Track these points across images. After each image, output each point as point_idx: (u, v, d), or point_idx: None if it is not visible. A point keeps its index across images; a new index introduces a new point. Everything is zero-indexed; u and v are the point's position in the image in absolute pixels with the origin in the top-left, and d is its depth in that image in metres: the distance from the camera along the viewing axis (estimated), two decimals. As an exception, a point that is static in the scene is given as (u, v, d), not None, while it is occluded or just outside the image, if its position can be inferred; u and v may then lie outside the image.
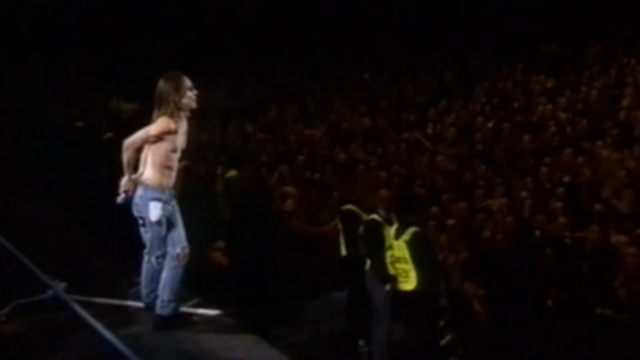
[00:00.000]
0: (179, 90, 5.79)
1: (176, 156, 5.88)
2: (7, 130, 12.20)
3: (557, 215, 8.50)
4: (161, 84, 5.82)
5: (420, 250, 7.16)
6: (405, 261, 7.23)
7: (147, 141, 5.82)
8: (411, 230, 7.24)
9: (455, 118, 12.90)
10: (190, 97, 5.83)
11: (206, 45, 17.01)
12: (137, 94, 11.79)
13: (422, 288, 7.13)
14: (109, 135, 10.53)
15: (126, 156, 5.83)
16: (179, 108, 5.79)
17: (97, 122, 12.35)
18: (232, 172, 9.62)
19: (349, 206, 8.15)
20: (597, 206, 8.61)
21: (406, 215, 7.38)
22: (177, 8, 17.96)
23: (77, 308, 6.29)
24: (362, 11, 18.44)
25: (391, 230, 7.44)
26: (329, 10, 18.55)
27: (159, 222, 5.84)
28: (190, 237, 6.08)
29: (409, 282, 7.23)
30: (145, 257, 6.09)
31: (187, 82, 5.85)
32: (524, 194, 9.27)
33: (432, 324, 7.25)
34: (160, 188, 5.83)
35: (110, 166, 9.86)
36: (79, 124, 12.22)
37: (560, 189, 9.30)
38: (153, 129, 5.78)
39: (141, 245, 6.09)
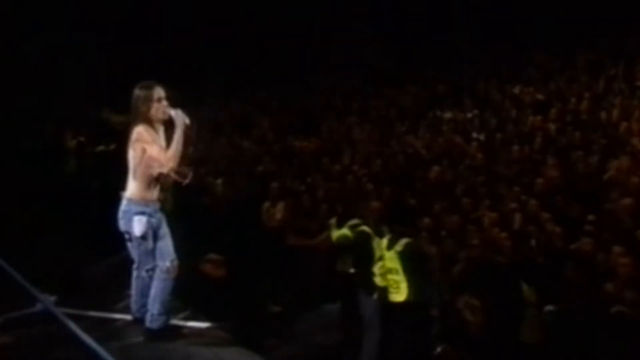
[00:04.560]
0: (147, 99, 5.73)
1: (157, 166, 5.82)
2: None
3: (549, 226, 8.52)
4: (134, 92, 5.81)
5: (412, 262, 7.15)
6: (397, 272, 7.22)
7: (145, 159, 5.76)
8: (403, 241, 7.24)
9: (445, 129, 12.94)
10: (157, 108, 5.74)
11: (196, 57, 17.03)
12: (127, 106, 11.78)
13: (413, 299, 7.12)
14: (101, 147, 10.51)
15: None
16: (148, 118, 5.75)
17: (89, 135, 12.32)
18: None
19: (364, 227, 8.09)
20: (591, 217, 8.64)
21: (400, 227, 7.39)
22: (167, 19, 17.97)
23: (67, 321, 6.24)
24: (352, 22, 18.50)
25: (383, 242, 7.44)
26: (321, 22, 18.60)
27: (144, 237, 5.79)
28: (180, 249, 6.05)
29: (399, 293, 7.22)
30: (135, 272, 6.03)
31: (158, 93, 5.75)
32: (513, 205, 9.28)
33: (423, 335, 7.24)
34: (144, 201, 5.77)
35: (102, 178, 9.87)
36: (71, 143, 12.19)
37: (552, 200, 9.33)
38: (138, 145, 5.72)
39: (131, 258, 6.06)
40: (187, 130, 5.70)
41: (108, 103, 12.93)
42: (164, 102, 5.77)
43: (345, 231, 8.03)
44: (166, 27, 17.79)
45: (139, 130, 5.69)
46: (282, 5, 18.40)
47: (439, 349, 7.31)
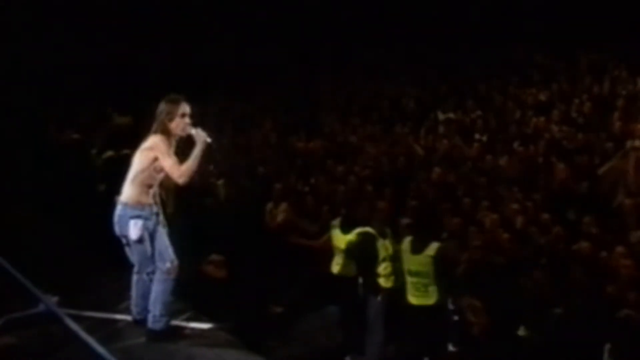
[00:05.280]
0: (170, 113, 5.76)
1: (159, 177, 5.85)
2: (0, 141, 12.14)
3: (550, 227, 8.51)
4: (160, 105, 5.84)
5: (443, 266, 7.18)
6: (427, 276, 7.24)
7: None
8: (435, 245, 7.26)
9: (447, 130, 12.93)
10: (178, 123, 5.77)
11: (199, 57, 17.04)
12: (131, 107, 11.79)
13: (442, 302, 7.14)
14: (109, 153, 10.49)
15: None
16: (168, 131, 5.77)
17: (92, 135, 12.30)
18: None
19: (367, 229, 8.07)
20: (587, 219, 8.62)
21: (423, 229, 7.43)
22: (171, 19, 17.98)
23: (69, 322, 6.24)
24: (355, 24, 18.50)
25: (404, 243, 7.44)
26: (323, 23, 18.60)
27: (141, 240, 5.81)
28: (183, 250, 6.06)
29: (428, 297, 7.23)
30: (135, 276, 6.03)
31: (182, 109, 5.79)
32: (515, 206, 9.26)
33: (444, 336, 7.26)
34: (139, 205, 5.78)
35: (108, 182, 9.84)
36: (75, 136, 12.16)
37: (553, 201, 9.32)
38: (149, 153, 5.74)
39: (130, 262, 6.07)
40: (207, 150, 5.74)
41: (110, 104, 12.97)
42: (187, 119, 5.81)
43: (351, 237, 7.98)
44: (167, 27, 17.80)
45: (156, 140, 5.72)
46: (283, 5, 18.42)
47: (450, 348, 7.31)
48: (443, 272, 7.25)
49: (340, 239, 8.05)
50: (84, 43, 16.90)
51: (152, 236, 5.83)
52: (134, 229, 5.76)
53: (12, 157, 11.55)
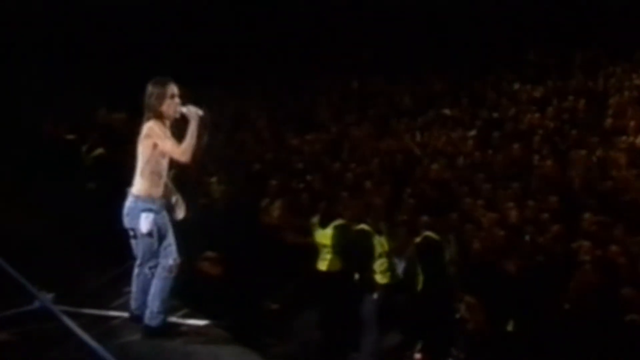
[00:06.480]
0: (160, 96, 5.76)
1: (165, 162, 5.84)
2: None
3: (548, 225, 8.51)
4: (148, 88, 5.83)
5: (427, 255, 7.21)
6: (418, 264, 7.29)
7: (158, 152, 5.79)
8: (423, 234, 7.30)
9: (443, 127, 12.94)
10: (170, 105, 5.78)
11: (194, 54, 16.99)
12: (125, 104, 11.74)
13: (427, 290, 7.17)
14: (99, 151, 10.45)
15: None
16: (160, 114, 5.76)
17: (87, 134, 12.25)
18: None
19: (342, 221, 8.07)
20: (586, 215, 8.62)
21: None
22: (164, 17, 17.94)
23: (65, 319, 6.25)
24: (351, 20, 18.49)
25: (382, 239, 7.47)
26: (318, 19, 18.59)
27: (150, 234, 5.80)
28: (178, 247, 6.05)
29: (418, 284, 7.30)
30: (137, 269, 6.03)
31: (171, 90, 5.80)
32: (511, 204, 9.25)
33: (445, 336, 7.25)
34: (151, 198, 5.79)
35: (98, 179, 9.83)
36: (69, 136, 12.12)
37: (551, 199, 9.32)
38: (148, 141, 5.74)
39: (130, 255, 6.06)
40: (201, 123, 5.74)
41: (106, 101, 12.90)
42: (177, 100, 5.81)
43: (328, 231, 8.01)
44: (163, 24, 17.76)
45: (150, 126, 5.72)
46: (280, 3, 18.40)
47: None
48: (427, 261, 7.28)
49: (321, 235, 8.09)
50: (79, 38, 16.85)
51: (161, 231, 5.84)
52: (145, 223, 5.76)
53: (5, 155, 11.51)
